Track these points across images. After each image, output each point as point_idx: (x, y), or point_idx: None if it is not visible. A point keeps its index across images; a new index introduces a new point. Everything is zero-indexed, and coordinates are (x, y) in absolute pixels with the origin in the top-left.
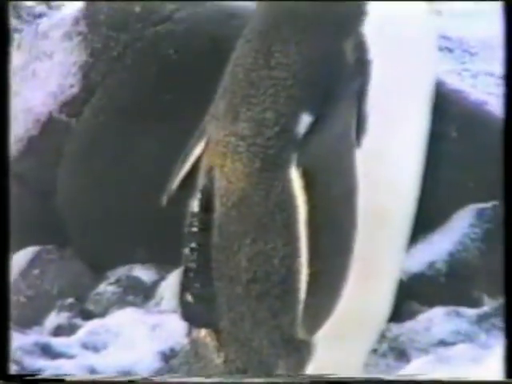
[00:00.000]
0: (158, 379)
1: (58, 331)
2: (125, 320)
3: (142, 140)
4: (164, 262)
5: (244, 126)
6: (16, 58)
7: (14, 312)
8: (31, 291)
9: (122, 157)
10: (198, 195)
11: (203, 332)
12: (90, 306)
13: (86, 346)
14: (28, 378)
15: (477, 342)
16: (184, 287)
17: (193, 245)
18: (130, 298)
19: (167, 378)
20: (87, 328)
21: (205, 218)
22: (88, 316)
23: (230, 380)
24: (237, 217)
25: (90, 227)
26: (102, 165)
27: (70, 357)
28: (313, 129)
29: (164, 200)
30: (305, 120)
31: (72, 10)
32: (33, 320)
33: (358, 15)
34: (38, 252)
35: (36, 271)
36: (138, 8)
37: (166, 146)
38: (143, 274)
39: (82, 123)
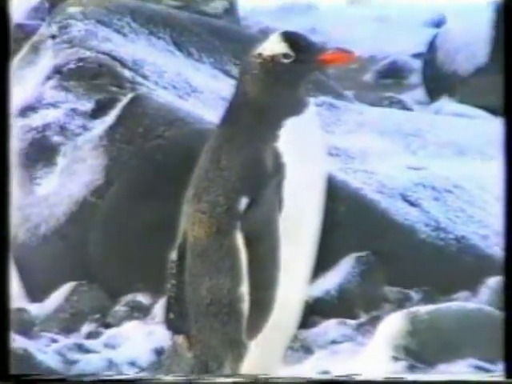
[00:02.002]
0: (157, 379)
1: (89, 336)
2: (131, 329)
3: (145, 209)
4: (157, 291)
5: (205, 206)
6: (61, 163)
7: (60, 325)
8: (72, 310)
9: (132, 221)
10: (176, 248)
11: (180, 337)
12: (110, 320)
13: (107, 346)
14: (28, 378)
15: (356, 342)
16: (167, 309)
17: (172, 281)
18: (135, 314)
19: (167, 378)
20: (108, 334)
21: (180, 263)
22: (108, 326)
23: (231, 380)
24: (200, 263)
25: (110, 269)
26: (118, 226)
27: (97, 352)
28: (249, 207)
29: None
30: (244, 201)
31: (98, 129)
32: (72, 329)
33: (274, 136)
34: (75, 285)
35: (75, 298)
36: (140, 129)
37: (159, 213)
38: (143, 299)
39: (105, 202)
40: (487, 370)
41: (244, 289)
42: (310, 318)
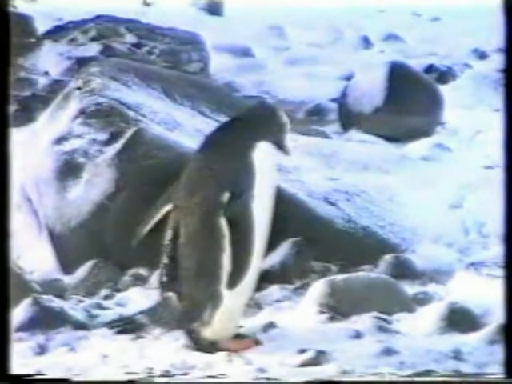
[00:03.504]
0: (157, 379)
1: (105, 298)
2: (135, 293)
3: (143, 208)
4: (153, 266)
5: (196, 201)
6: (85, 176)
7: (84, 290)
8: (93, 280)
9: (135, 217)
10: (170, 232)
11: (171, 294)
12: (120, 287)
13: (118, 304)
14: (28, 378)
15: (293, 301)
16: (162, 274)
17: (167, 254)
18: (138, 283)
19: (167, 378)
20: (118, 296)
21: (173, 241)
22: (118, 291)
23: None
24: (192, 241)
25: (119, 250)
26: (125, 221)
27: (111, 309)
28: (230, 199)
29: (134, 242)
30: (226, 195)
31: (110, 153)
32: (94, 293)
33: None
34: (95, 262)
35: (95, 271)
36: (140, 152)
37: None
38: (143, 272)
39: (116, 204)
40: (386, 321)
41: (226, 259)
42: (260, 284)
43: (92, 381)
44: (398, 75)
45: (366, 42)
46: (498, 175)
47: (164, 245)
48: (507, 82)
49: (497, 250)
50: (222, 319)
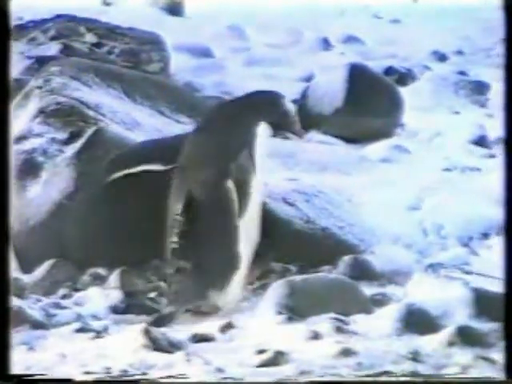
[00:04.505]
0: (158, 379)
1: (63, 297)
2: (93, 292)
3: (102, 208)
4: (111, 266)
5: (210, 170)
6: (44, 176)
7: (43, 289)
8: (52, 279)
9: (93, 217)
10: (183, 202)
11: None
12: (78, 286)
13: (76, 304)
14: (28, 378)
15: (252, 301)
16: (173, 244)
17: (181, 224)
18: (96, 282)
19: (168, 378)
20: (76, 296)
21: (186, 212)
22: (77, 290)
23: (231, 381)
24: (206, 206)
25: (78, 250)
26: (84, 221)
27: (69, 308)
28: (236, 168)
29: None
30: (233, 165)
31: (70, 152)
32: (52, 292)
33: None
34: (54, 262)
35: (54, 270)
36: (100, 152)
37: (112, 210)
38: (102, 271)
39: (74, 204)
40: (344, 322)
41: (236, 223)
42: None
43: (92, 381)
44: (357, 77)
45: (326, 44)
46: (457, 177)
47: (174, 217)
48: (507, 82)
49: (455, 252)
50: (239, 281)
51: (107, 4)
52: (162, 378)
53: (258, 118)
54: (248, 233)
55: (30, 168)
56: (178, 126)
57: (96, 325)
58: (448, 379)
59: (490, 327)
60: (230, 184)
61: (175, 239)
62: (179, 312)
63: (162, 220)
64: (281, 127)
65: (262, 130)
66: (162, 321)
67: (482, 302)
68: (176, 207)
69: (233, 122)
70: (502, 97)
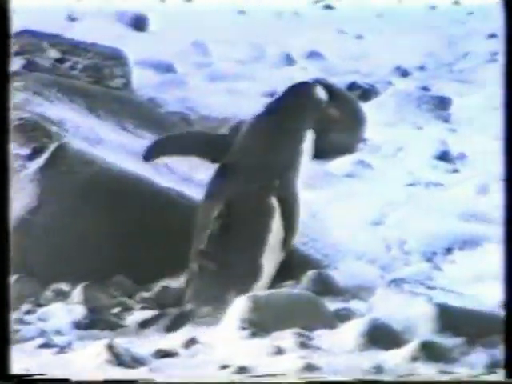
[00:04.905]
0: (158, 379)
1: (27, 312)
2: (56, 308)
3: (65, 223)
4: (74, 282)
5: (253, 185)
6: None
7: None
8: (15, 294)
9: (56, 232)
10: (220, 212)
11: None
12: (41, 301)
13: (39, 319)
14: (28, 378)
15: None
16: (203, 244)
17: (216, 227)
18: (59, 298)
19: (168, 378)
20: (40, 311)
21: (224, 217)
22: (40, 306)
23: (230, 380)
24: (246, 218)
25: (41, 266)
26: (46, 236)
27: (33, 324)
28: (280, 184)
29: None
30: (277, 182)
31: (33, 167)
32: (16, 307)
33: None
34: (18, 277)
35: (18, 286)
36: (63, 167)
37: (74, 225)
38: (64, 287)
39: (37, 218)
40: (308, 337)
41: (271, 237)
42: (181, 300)
43: (92, 381)
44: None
45: (289, 59)
46: (420, 192)
47: (211, 219)
48: (507, 84)
49: (419, 267)
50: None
51: (72, 19)
52: (158, 378)
53: (305, 125)
54: (275, 247)
55: None
56: (141, 141)
57: (59, 340)
58: (448, 379)
59: (453, 342)
60: (273, 201)
61: (206, 240)
62: (199, 311)
63: (124, 235)
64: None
65: (309, 139)
66: (182, 318)
67: (445, 317)
68: (212, 210)
69: (281, 134)
70: (502, 96)
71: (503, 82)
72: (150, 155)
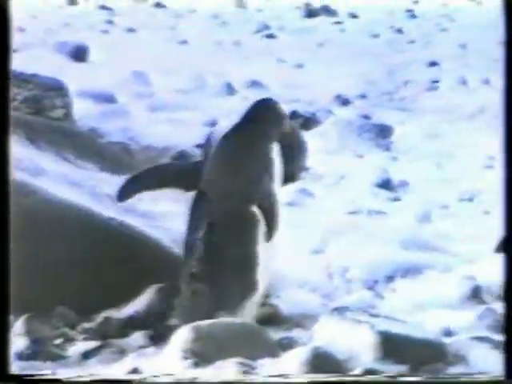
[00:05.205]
0: (158, 379)
1: None
2: None
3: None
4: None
5: (235, 199)
6: None
7: None
8: None
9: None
10: (206, 229)
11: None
12: None
13: None
14: (27, 378)
15: (157, 346)
16: (192, 267)
17: (202, 248)
18: None
19: (167, 378)
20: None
21: (208, 235)
22: None
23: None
24: (231, 231)
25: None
26: None
27: None
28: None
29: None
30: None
31: None
32: None
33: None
34: None
35: None
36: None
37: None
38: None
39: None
40: (250, 366)
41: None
42: (124, 331)
43: (92, 380)
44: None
45: (230, 89)
46: (362, 220)
47: (196, 239)
48: (507, 86)
49: (361, 295)
50: (252, 307)
51: (13, 50)
52: (155, 376)
53: (271, 140)
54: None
55: None
56: (83, 172)
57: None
58: (448, 379)
59: (396, 370)
60: (255, 209)
61: (195, 263)
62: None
63: (66, 266)
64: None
65: (276, 150)
66: (166, 332)
67: (387, 345)
68: (197, 232)
69: (249, 147)
70: (503, 96)
71: (504, 86)
72: (123, 194)
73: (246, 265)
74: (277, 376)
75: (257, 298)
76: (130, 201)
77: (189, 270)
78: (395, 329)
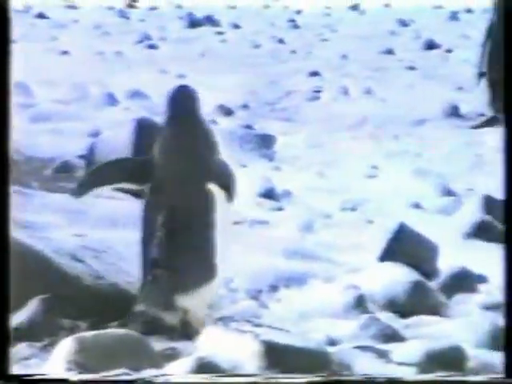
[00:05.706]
0: (158, 379)
1: None
2: None
3: None
4: None
5: (187, 185)
6: None
7: None
8: None
9: None
10: (166, 214)
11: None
12: None
13: None
14: (27, 378)
15: (41, 358)
16: (152, 253)
17: (162, 233)
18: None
19: (166, 378)
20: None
21: (168, 222)
22: None
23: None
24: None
25: None
26: None
27: None
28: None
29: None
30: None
31: None
32: None
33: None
34: None
35: None
36: None
37: None
38: None
39: None
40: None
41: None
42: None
43: (92, 380)
44: (143, 131)
45: (112, 99)
46: (245, 230)
47: (155, 226)
48: (507, 89)
49: (245, 305)
50: (211, 292)
51: None
52: (157, 377)
53: (202, 115)
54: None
55: None
56: None
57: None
58: (448, 379)
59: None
60: (212, 187)
61: (155, 249)
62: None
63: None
64: None
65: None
66: (134, 318)
67: (272, 355)
68: (156, 220)
69: (191, 127)
70: (503, 96)
71: (504, 87)
72: (82, 190)
73: (204, 249)
74: (277, 376)
75: (216, 282)
76: (12, 212)
77: (150, 256)
78: (279, 338)
